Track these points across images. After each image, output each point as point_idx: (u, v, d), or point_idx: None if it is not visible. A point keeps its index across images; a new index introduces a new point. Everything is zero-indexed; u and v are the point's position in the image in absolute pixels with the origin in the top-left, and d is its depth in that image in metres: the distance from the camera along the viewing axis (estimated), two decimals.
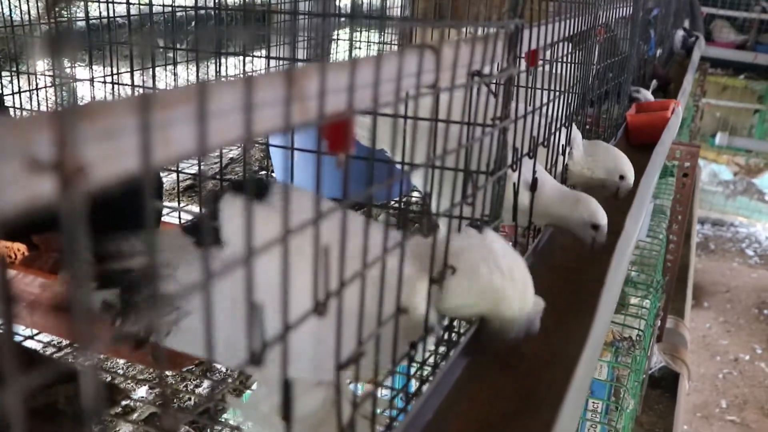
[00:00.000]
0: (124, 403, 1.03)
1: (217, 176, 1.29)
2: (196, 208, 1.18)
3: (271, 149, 1.62)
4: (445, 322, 0.87)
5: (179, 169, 1.16)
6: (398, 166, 1.23)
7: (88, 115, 0.32)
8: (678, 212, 2.57)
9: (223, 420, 1.04)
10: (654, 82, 2.55)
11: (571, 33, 1.27)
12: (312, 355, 0.63)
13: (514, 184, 1.07)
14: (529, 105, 1.05)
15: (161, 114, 0.36)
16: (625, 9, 1.92)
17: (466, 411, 0.83)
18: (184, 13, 1.57)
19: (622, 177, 1.42)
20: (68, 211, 0.29)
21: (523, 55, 0.97)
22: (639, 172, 1.48)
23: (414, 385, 0.89)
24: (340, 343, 0.56)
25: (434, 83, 0.68)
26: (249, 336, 0.44)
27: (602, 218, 1.15)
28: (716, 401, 3.84)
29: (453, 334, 0.92)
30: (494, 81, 0.85)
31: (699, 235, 5.48)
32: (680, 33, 4.07)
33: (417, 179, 1.27)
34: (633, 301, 2.28)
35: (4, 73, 1.42)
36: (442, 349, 0.91)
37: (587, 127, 1.70)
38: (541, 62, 1.16)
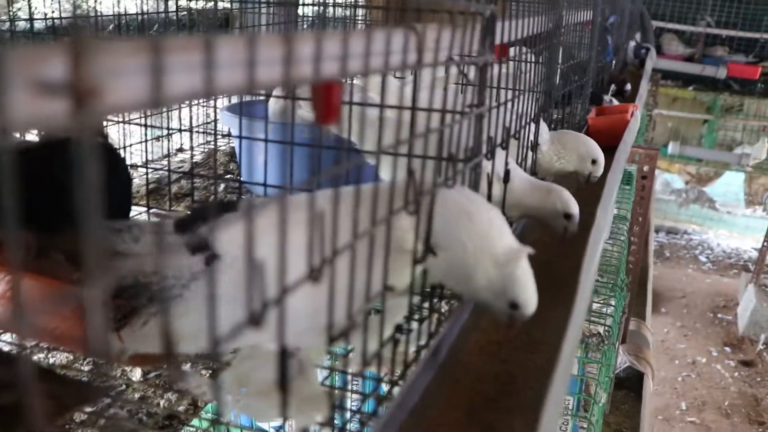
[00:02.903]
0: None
1: (186, 175, 1.28)
2: (163, 211, 1.16)
3: (238, 150, 1.61)
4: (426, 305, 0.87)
5: (148, 166, 1.14)
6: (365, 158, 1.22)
7: (97, 48, 0.31)
8: (638, 214, 2.62)
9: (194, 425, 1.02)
10: (612, 87, 2.61)
11: (537, 31, 1.29)
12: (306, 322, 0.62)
13: (487, 174, 1.07)
14: (497, 99, 1.06)
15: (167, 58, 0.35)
16: (585, 13, 1.96)
17: (450, 395, 0.82)
18: (142, 16, 1.55)
19: (594, 161, 1.44)
20: (80, 132, 0.28)
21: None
22: (605, 168, 1.51)
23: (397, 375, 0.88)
24: (332, 314, 0.55)
25: (418, 62, 0.68)
26: (249, 296, 0.43)
27: (574, 207, 1.15)
28: (676, 403, 3.91)
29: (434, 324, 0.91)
30: (473, 63, 0.86)
31: (655, 242, 5.59)
32: (632, 44, 4.17)
33: (384, 172, 1.24)
34: (594, 306, 2.31)
35: None
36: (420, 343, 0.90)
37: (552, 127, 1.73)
38: (506, 59, 1.17)
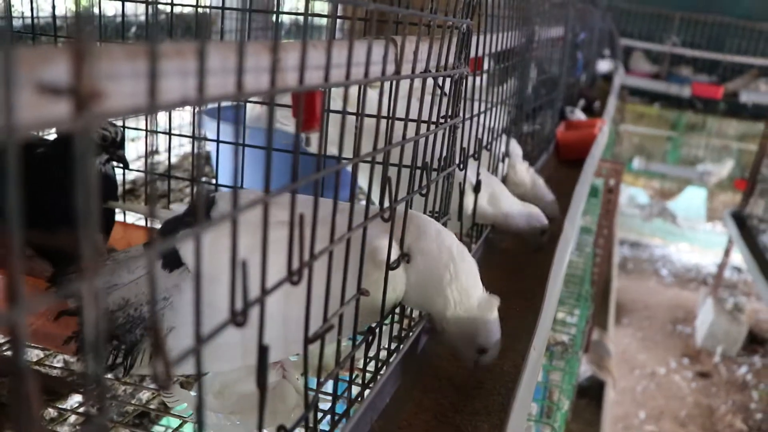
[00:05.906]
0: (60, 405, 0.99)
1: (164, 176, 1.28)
2: (141, 208, 1.15)
3: (214, 154, 1.61)
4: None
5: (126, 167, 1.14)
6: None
7: (98, 52, 0.32)
8: (604, 227, 2.67)
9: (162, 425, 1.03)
10: (582, 101, 2.66)
11: (511, 46, 1.32)
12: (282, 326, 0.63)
13: (460, 184, 1.10)
14: (470, 111, 1.08)
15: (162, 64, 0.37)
16: (557, 29, 2.00)
17: (420, 399, 0.85)
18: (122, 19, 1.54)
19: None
20: (82, 134, 0.29)
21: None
22: (573, 181, 1.55)
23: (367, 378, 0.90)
24: (308, 318, 0.57)
25: (396, 72, 0.70)
26: (232, 295, 0.45)
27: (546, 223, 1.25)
28: (636, 413, 3.98)
29: (404, 328, 0.93)
30: (448, 76, 0.88)
31: (619, 255, 5.69)
32: (601, 60, 4.26)
33: (363, 179, 1.26)
34: (559, 316, 2.36)
35: None
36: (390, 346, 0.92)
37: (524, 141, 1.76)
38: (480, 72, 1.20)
